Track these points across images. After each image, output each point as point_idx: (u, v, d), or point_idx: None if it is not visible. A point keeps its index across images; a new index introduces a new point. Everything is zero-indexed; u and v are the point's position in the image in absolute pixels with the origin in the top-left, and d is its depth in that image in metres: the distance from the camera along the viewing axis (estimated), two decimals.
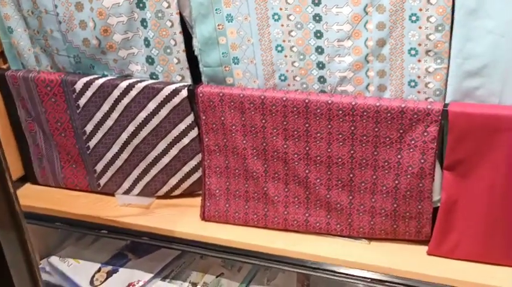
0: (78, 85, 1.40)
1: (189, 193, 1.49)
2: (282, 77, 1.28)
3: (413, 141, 1.18)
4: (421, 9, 1.10)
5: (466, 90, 1.14)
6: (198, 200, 1.45)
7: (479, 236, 1.20)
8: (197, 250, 1.42)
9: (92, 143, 1.46)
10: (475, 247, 1.21)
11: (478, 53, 1.09)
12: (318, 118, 1.23)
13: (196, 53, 1.31)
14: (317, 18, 1.18)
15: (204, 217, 1.43)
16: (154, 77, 1.38)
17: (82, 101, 1.41)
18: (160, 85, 1.34)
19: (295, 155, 1.29)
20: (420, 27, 1.12)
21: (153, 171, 1.45)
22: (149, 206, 1.50)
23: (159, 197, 1.52)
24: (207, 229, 1.41)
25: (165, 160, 1.43)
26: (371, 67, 1.19)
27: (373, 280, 1.26)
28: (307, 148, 1.27)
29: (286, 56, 1.25)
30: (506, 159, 1.12)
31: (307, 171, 1.29)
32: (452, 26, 1.10)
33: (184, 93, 1.33)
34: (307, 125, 1.25)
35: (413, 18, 1.11)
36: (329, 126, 1.23)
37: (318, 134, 1.25)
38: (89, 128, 1.44)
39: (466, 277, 1.19)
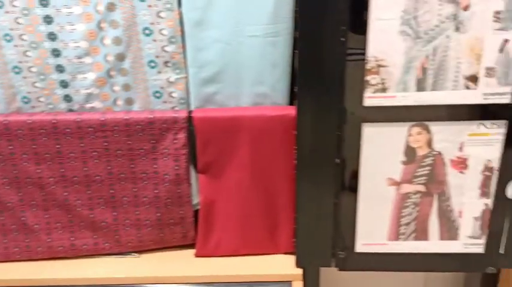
0: None
1: None
2: (25, 99, 1.22)
3: (166, 150, 1.21)
4: (153, 23, 1.14)
5: (207, 96, 1.20)
6: None
7: (237, 231, 1.28)
8: None
9: None
10: (235, 242, 1.29)
11: (210, 60, 1.16)
12: (68, 138, 1.20)
13: None
14: (52, 36, 1.15)
15: None
16: None
17: None
18: None
19: (51, 179, 1.23)
20: (155, 40, 1.15)
21: None
22: None
23: None
24: None
25: None
26: (115, 82, 1.20)
27: None
28: (62, 170, 1.23)
29: (25, 77, 1.19)
30: (249, 156, 1.21)
31: (65, 193, 1.25)
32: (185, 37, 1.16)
33: None
34: (58, 146, 1.21)
35: (147, 31, 1.15)
36: (81, 144, 1.21)
37: (72, 154, 1.21)
38: None
39: (231, 271, 1.26)
